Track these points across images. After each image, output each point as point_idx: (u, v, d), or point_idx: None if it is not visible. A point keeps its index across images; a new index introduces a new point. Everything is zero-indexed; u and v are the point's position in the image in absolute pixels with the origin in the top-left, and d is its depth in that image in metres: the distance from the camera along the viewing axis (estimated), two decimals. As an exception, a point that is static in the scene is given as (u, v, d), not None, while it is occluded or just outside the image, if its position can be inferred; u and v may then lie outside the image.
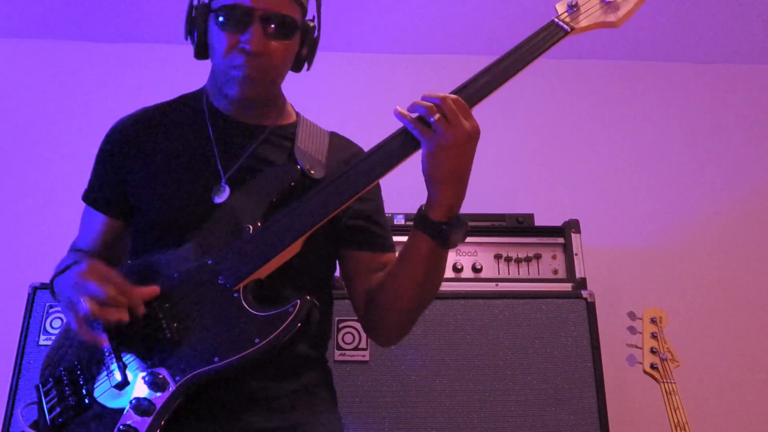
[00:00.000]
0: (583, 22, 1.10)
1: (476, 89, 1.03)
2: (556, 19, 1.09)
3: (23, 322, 1.71)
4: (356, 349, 1.69)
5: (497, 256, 1.89)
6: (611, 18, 1.12)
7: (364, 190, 1.02)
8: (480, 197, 2.48)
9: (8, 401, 1.62)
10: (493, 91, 1.04)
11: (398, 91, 2.39)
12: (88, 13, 2.53)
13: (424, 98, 0.99)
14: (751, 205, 2.59)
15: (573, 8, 1.10)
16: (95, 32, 2.64)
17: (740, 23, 2.54)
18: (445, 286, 1.81)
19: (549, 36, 1.07)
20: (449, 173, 1.00)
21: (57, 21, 2.58)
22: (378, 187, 1.28)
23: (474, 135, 0.99)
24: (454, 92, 1.02)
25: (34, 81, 2.64)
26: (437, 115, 0.96)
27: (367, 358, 1.68)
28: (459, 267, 1.86)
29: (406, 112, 0.99)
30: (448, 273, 1.86)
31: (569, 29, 1.08)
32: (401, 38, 2.66)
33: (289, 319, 0.96)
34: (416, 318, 1.18)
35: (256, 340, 0.96)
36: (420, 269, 1.08)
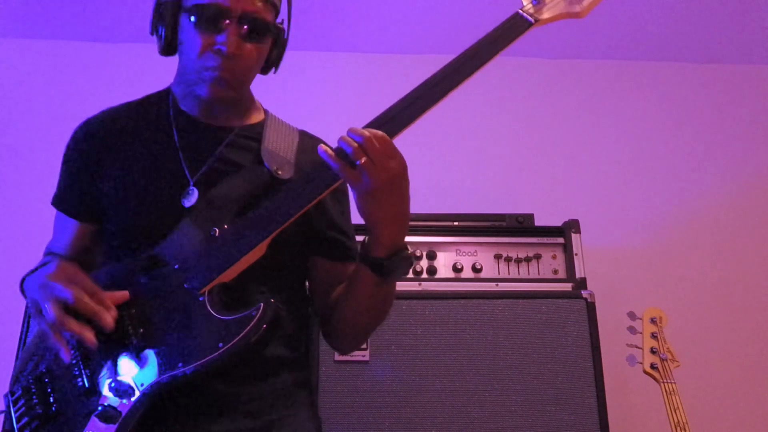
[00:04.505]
0: (547, 14, 1.09)
1: (428, 96, 1.01)
2: (520, 11, 1.08)
3: (23, 323, 1.70)
4: (356, 349, 1.69)
5: (497, 256, 1.88)
6: (576, 8, 1.10)
7: (328, 190, 1.00)
8: (480, 197, 2.49)
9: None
10: (452, 91, 1.02)
11: (396, 91, 2.39)
12: (88, 13, 2.53)
13: (350, 134, 0.96)
14: (751, 205, 2.59)
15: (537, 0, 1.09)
16: (95, 32, 2.64)
17: (740, 23, 2.54)
18: (445, 286, 1.82)
19: (512, 28, 1.06)
20: (384, 213, 0.99)
21: (57, 21, 2.58)
22: (346, 192, 1.25)
23: (400, 174, 0.97)
24: (390, 114, 1.00)
25: (34, 81, 2.64)
26: (363, 159, 0.94)
27: (367, 358, 1.68)
28: (459, 267, 1.86)
29: (331, 152, 0.97)
30: (448, 273, 1.86)
31: (533, 21, 1.07)
32: (400, 38, 2.66)
33: (252, 323, 0.94)
34: (368, 336, 1.22)
35: (220, 345, 0.94)
36: (365, 299, 1.09)
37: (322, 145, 0.98)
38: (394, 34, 2.64)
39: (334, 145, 0.99)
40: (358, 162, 0.94)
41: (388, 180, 0.96)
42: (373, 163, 0.94)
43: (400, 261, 1.03)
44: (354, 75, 2.70)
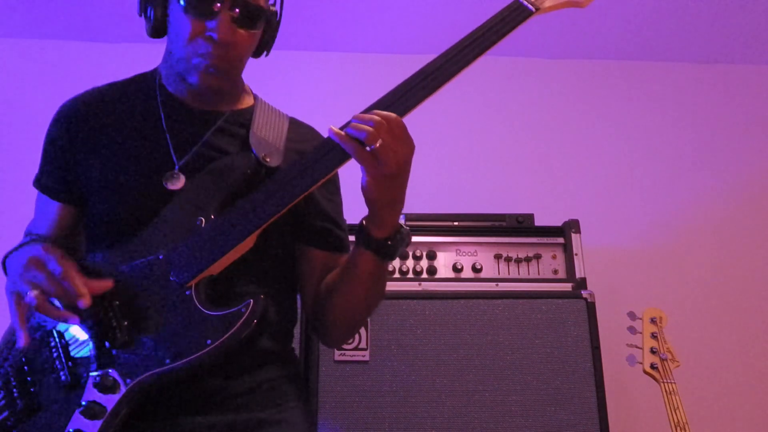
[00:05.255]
0: (549, 2, 1.07)
1: (424, 84, 0.99)
2: None
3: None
4: (356, 349, 1.69)
5: (497, 256, 1.88)
6: None
7: (321, 181, 0.98)
8: (480, 197, 2.49)
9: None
10: (451, 80, 1.00)
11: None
12: (88, 13, 2.53)
13: (356, 120, 0.94)
14: (751, 205, 2.59)
15: None
16: (95, 32, 2.64)
17: (740, 23, 2.54)
18: (445, 286, 1.82)
19: (512, 17, 1.04)
20: (392, 194, 0.99)
21: (57, 21, 2.58)
22: (337, 184, 1.24)
23: (412, 154, 0.97)
24: (396, 95, 0.99)
25: (34, 81, 2.64)
26: (378, 143, 0.92)
27: (367, 358, 1.68)
28: (459, 267, 1.86)
29: (343, 134, 0.95)
30: (448, 273, 1.86)
31: (534, 9, 1.05)
32: (400, 38, 2.66)
33: (242, 320, 0.91)
34: (359, 327, 1.21)
35: (209, 342, 0.91)
36: (365, 284, 1.07)
37: (332, 127, 0.96)
38: (392, 34, 2.64)
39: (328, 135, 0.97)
40: (372, 147, 0.92)
41: (401, 163, 0.95)
42: (387, 147, 0.93)
43: (402, 239, 1.03)
44: (352, 75, 2.70)
